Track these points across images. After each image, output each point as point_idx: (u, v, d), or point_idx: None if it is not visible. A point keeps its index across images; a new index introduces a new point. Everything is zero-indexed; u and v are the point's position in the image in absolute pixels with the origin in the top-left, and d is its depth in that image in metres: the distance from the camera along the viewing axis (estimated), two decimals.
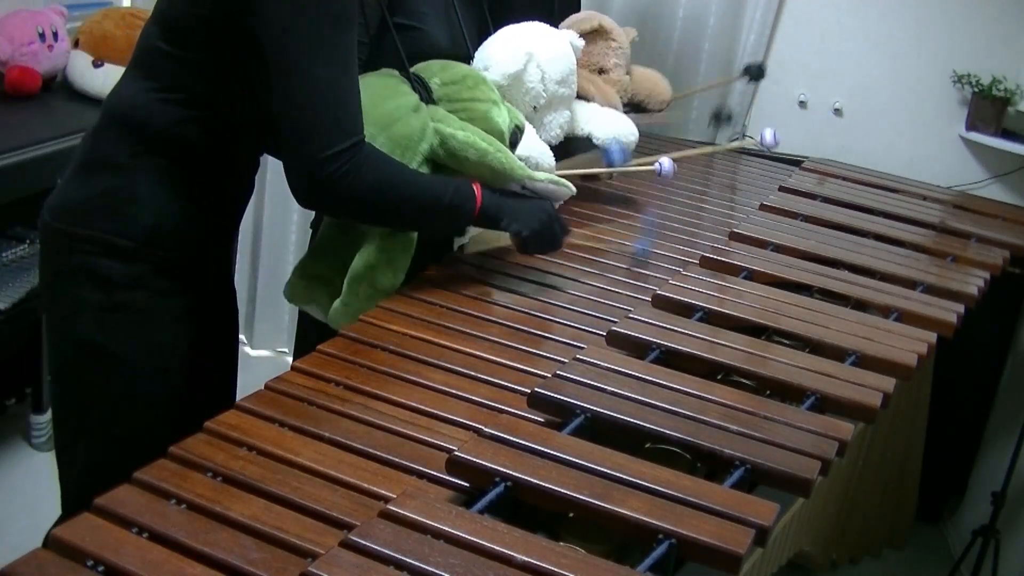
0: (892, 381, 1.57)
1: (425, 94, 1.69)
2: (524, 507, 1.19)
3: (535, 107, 2.02)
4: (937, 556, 2.93)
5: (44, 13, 2.75)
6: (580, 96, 2.40)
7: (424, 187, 1.56)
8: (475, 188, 1.61)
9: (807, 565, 2.47)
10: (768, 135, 2.48)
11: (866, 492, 2.43)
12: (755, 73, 2.91)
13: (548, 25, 2.07)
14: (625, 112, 2.60)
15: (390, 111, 1.59)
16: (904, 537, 2.86)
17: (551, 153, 2.00)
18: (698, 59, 3.13)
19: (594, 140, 2.20)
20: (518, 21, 2.05)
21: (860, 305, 1.91)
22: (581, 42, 2.11)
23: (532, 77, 1.98)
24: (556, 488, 1.17)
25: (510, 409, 1.40)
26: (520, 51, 1.95)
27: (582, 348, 1.57)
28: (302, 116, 1.37)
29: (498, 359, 1.55)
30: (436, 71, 1.74)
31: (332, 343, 1.55)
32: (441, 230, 1.76)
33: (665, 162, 2.16)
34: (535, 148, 1.96)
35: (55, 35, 2.72)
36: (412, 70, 1.73)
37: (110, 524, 1.08)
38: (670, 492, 1.18)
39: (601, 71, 2.50)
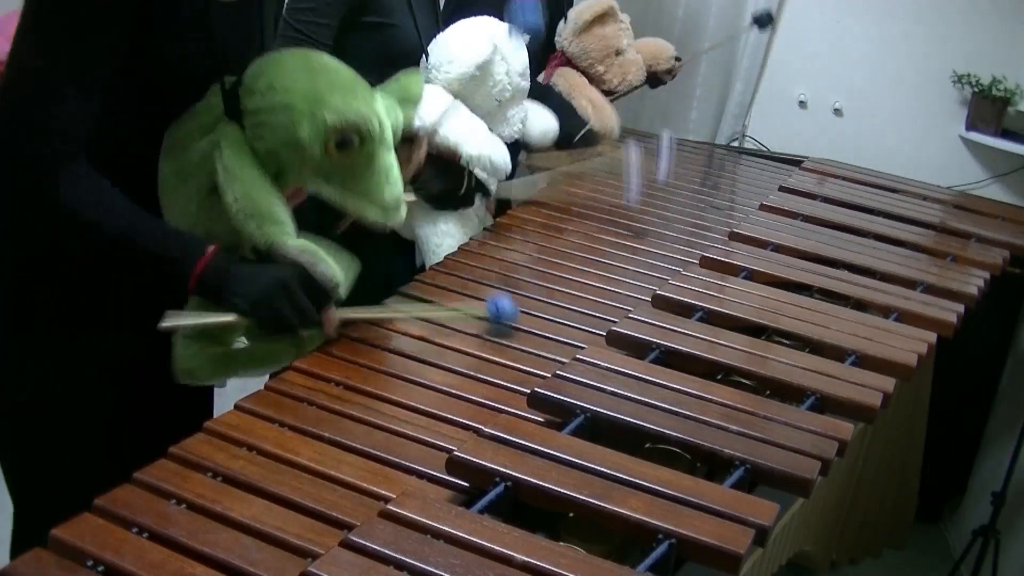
0: (892, 381, 1.57)
1: (233, 107, 1.37)
2: (524, 507, 1.19)
3: (499, 101, 1.98)
4: (937, 556, 2.93)
5: None
6: (579, 109, 2.42)
7: (131, 231, 1.29)
8: (207, 250, 1.31)
9: (807, 565, 2.47)
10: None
11: (866, 492, 2.43)
12: (763, 21, 2.87)
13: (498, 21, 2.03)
14: (641, 84, 2.60)
15: (180, 137, 1.37)
16: (904, 537, 2.85)
17: (506, 152, 1.97)
18: (698, 60, 3.12)
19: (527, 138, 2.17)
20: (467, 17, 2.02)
21: (860, 305, 1.91)
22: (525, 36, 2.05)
23: (498, 69, 1.94)
24: (556, 488, 1.17)
25: (510, 409, 1.40)
26: (486, 41, 1.92)
27: (582, 348, 1.57)
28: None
29: (498, 359, 1.55)
30: (255, 74, 1.39)
31: (332, 343, 1.55)
32: (162, 286, 1.35)
33: (632, 145, 2.19)
34: (490, 146, 1.92)
35: None
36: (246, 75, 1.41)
37: (110, 524, 1.08)
38: (670, 492, 1.18)
39: (618, 52, 2.51)
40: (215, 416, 1.33)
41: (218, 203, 1.36)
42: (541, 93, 2.40)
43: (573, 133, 2.38)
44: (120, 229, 1.28)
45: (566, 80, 2.48)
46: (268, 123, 1.35)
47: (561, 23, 2.55)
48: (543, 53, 2.54)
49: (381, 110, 1.44)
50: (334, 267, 1.39)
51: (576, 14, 2.51)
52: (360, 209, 1.44)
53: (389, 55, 1.92)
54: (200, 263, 1.30)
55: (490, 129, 1.99)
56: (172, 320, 1.33)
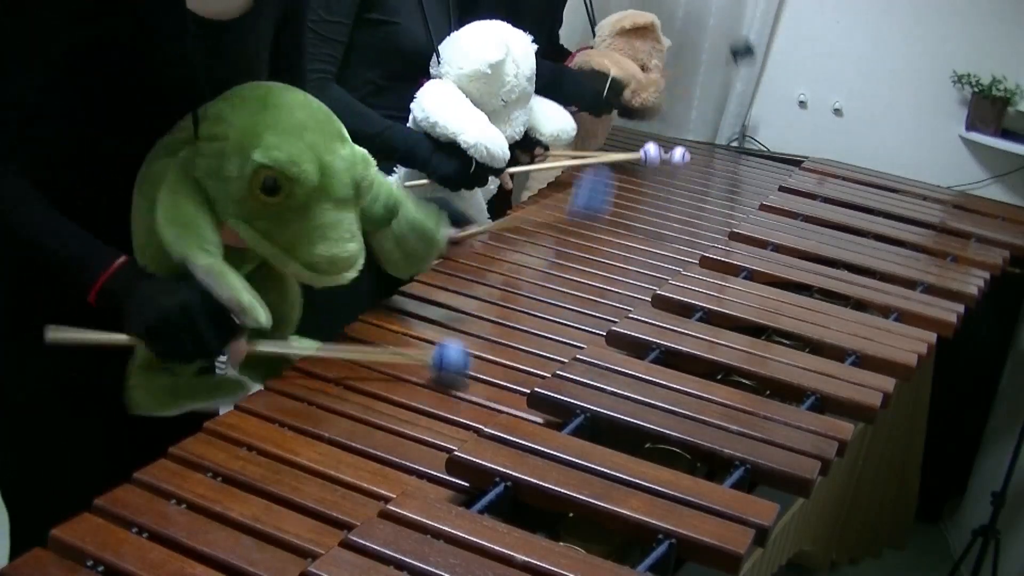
0: (892, 381, 1.57)
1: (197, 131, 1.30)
2: (524, 507, 1.19)
3: (505, 102, 2.01)
4: (937, 556, 2.93)
5: None
6: (598, 68, 2.43)
7: (40, 236, 1.22)
8: (114, 263, 1.23)
9: (807, 565, 2.47)
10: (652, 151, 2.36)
11: (866, 492, 2.43)
12: (741, 52, 2.84)
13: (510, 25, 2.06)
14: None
15: (154, 151, 1.31)
16: (904, 537, 2.85)
17: (504, 141, 1.97)
18: (698, 60, 3.13)
19: (539, 136, 2.20)
20: (480, 19, 2.04)
21: (860, 305, 1.91)
22: (534, 46, 2.06)
23: (509, 71, 1.98)
24: (556, 488, 1.17)
25: (510, 409, 1.40)
26: (500, 42, 1.96)
27: (582, 348, 1.57)
28: None
29: (498, 359, 1.55)
30: (215, 101, 1.31)
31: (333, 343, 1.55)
32: (68, 293, 1.26)
33: (651, 148, 2.20)
34: (487, 135, 1.92)
35: None
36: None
37: (110, 524, 1.08)
38: (670, 492, 1.18)
39: (643, 68, 2.52)
40: (216, 416, 1.33)
41: None
42: (558, 71, 2.42)
43: (600, 88, 2.41)
44: (29, 232, 1.22)
45: (584, 56, 2.51)
46: (203, 151, 1.27)
47: (601, 22, 2.58)
48: (549, 52, 2.56)
49: (340, 162, 1.32)
50: (240, 291, 1.25)
51: (619, 18, 2.54)
52: (279, 262, 1.32)
53: (391, 53, 1.95)
54: (103, 275, 1.21)
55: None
56: (56, 334, 1.22)
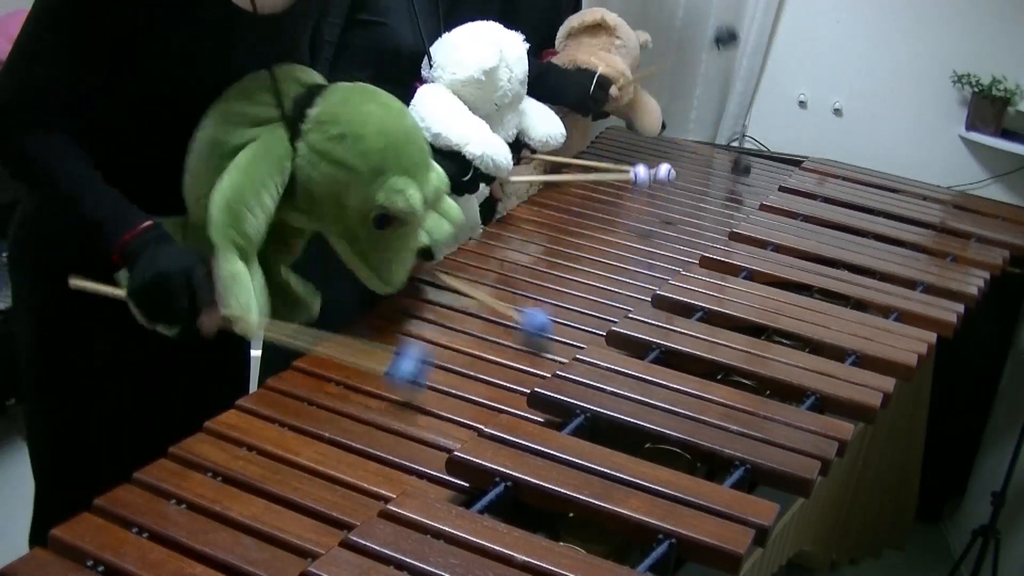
0: (892, 381, 1.57)
1: (288, 114, 1.36)
2: (524, 507, 1.19)
3: (498, 106, 2.00)
4: (937, 556, 2.93)
5: None
6: (584, 66, 2.42)
7: (78, 192, 1.31)
8: (140, 225, 1.30)
9: (807, 565, 2.47)
10: (642, 172, 2.23)
11: (866, 492, 2.43)
12: (724, 39, 2.72)
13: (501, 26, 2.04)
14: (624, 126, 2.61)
15: (230, 110, 1.38)
16: (904, 537, 2.85)
17: (507, 150, 1.96)
18: (698, 60, 3.13)
19: (528, 140, 2.16)
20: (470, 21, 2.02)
21: (860, 305, 1.91)
22: (525, 44, 2.03)
23: (503, 75, 1.96)
24: (556, 488, 1.17)
25: (510, 409, 1.40)
26: (493, 47, 1.94)
27: (582, 348, 1.57)
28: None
29: (498, 359, 1.55)
30: (329, 109, 1.37)
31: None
32: (99, 249, 1.33)
33: (641, 170, 2.18)
34: (492, 146, 1.92)
35: None
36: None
37: (110, 524, 1.08)
38: (670, 492, 1.18)
39: None
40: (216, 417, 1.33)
41: None
42: (543, 71, 2.40)
43: (587, 85, 2.38)
44: (69, 187, 1.31)
45: (564, 56, 2.49)
46: (325, 171, 1.35)
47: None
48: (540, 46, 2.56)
49: (430, 192, 1.43)
50: (246, 309, 1.31)
51: (571, 18, 2.51)
52: (365, 277, 1.44)
53: (381, 53, 1.94)
54: (127, 236, 1.29)
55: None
56: (77, 281, 1.32)
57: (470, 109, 1.96)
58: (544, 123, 2.17)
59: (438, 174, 1.48)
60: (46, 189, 1.34)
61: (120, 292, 1.31)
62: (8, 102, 1.30)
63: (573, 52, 2.48)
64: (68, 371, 1.49)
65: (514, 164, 2.20)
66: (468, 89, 1.93)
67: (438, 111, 1.90)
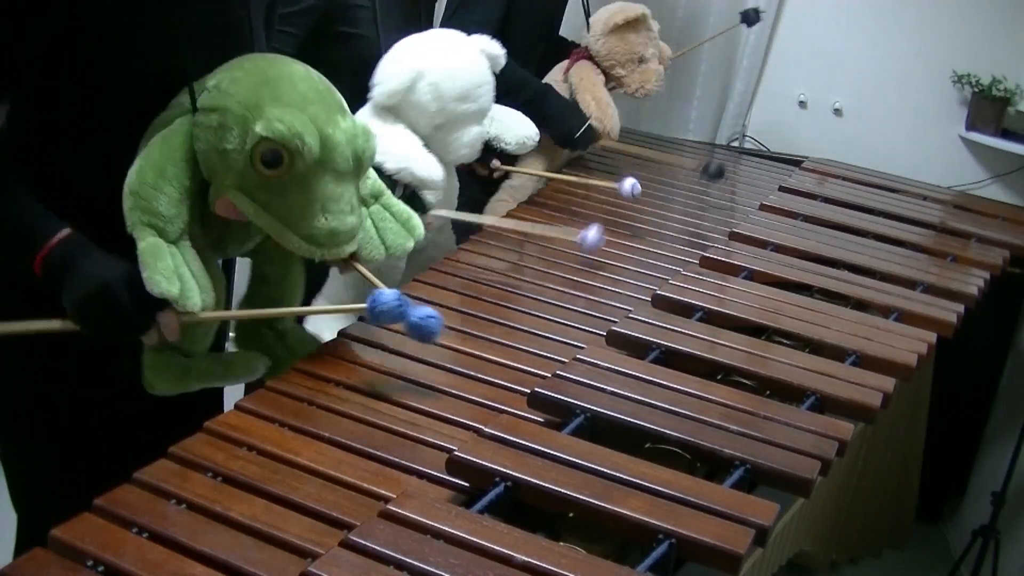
0: (892, 381, 1.57)
1: (194, 104, 1.30)
2: (524, 507, 1.19)
3: (435, 126, 1.86)
4: (937, 556, 2.93)
5: None
6: (580, 104, 2.41)
7: None
8: (57, 235, 1.21)
9: (807, 565, 2.47)
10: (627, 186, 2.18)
11: (866, 492, 2.43)
12: (752, 18, 2.85)
13: (461, 33, 1.92)
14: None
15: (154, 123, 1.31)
16: (904, 537, 2.85)
17: (435, 163, 1.86)
18: (698, 60, 3.12)
19: (503, 145, 2.06)
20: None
21: (860, 305, 1.91)
22: (500, 50, 1.93)
23: (423, 95, 1.82)
24: (556, 488, 1.17)
25: (510, 409, 1.40)
26: (407, 67, 1.81)
27: (582, 348, 1.57)
28: None
29: (498, 359, 1.55)
30: (217, 72, 1.31)
31: (333, 343, 1.55)
32: (15, 266, 1.25)
33: (627, 184, 2.13)
34: (414, 159, 1.82)
35: None
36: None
37: (110, 524, 1.08)
38: (670, 492, 1.18)
39: (641, 60, 2.52)
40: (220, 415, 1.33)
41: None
42: (542, 92, 2.41)
43: (574, 129, 2.39)
44: None
45: (580, 74, 2.49)
46: (204, 123, 1.27)
47: (592, 17, 2.55)
48: (549, 48, 2.55)
49: (341, 135, 1.31)
50: (165, 280, 1.22)
51: (609, 15, 2.51)
52: (278, 235, 1.31)
53: (356, 65, 1.90)
54: (45, 247, 1.19)
55: (429, 152, 1.89)
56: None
57: (409, 126, 1.87)
58: (517, 126, 2.09)
59: (362, 127, 1.37)
60: None
61: (51, 324, 1.22)
62: None
63: (580, 76, 2.48)
64: (27, 399, 1.42)
65: (488, 176, 2.16)
66: (391, 110, 1.85)
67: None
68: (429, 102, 1.82)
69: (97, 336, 1.22)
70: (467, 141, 1.91)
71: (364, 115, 1.85)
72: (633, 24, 2.50)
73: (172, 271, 1.23)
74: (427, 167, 1.83)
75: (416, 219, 1.55)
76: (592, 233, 1.89)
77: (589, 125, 2.40)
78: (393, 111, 1.86)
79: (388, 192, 1.53)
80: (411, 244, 1.53)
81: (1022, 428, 2.51)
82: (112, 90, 1.28)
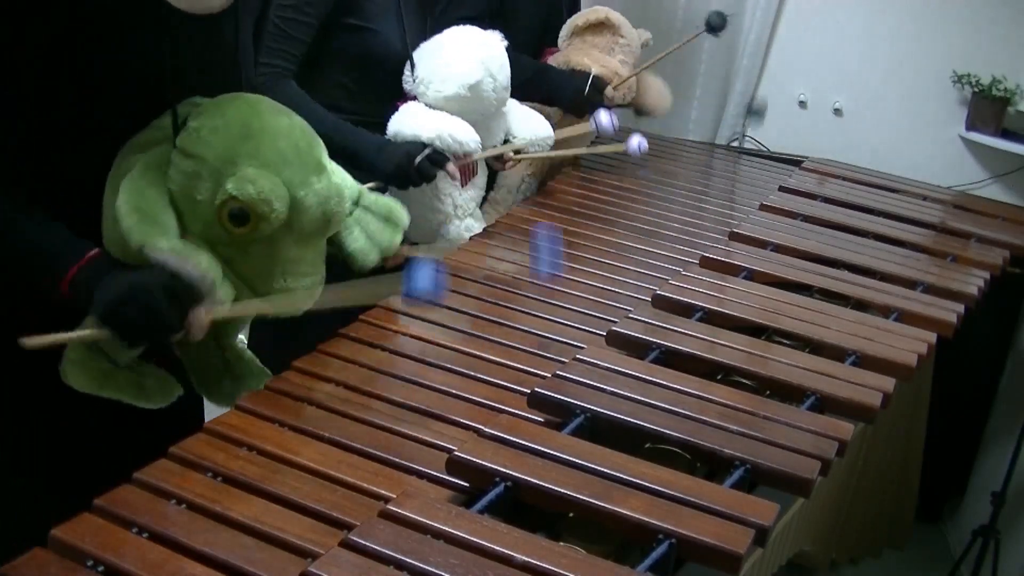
0: (892, 381, 1.57)
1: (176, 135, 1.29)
2: (524, 507, 1.19)
3: (483, 115, 1.99)
4: (937, 556, 2.93)
5: None
6: (578, 67, 2.42)
7: (13, 232, 1.23)
8: (85, 255, 1.23)
9: (807, 565, 2.47)
10: (603, 118, 2.27)
11: (866, 492, 2.43)
12: (716, 24, 2.63)
13: (479, 29, 2.02)
14: (628, 111, 2.61)
15: (129, 144, 1.31)
16: (904, 537, 2.85)
17: (468, 127, 1.95)
18: (698, 60, 3.13)
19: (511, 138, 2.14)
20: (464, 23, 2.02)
21: (860, 305, 1.91)
22: (504, 41, 2.03)
23: (487, 86, 1.95)
24: (556, 488, 1.17)
25: (510, 409, 1.40)
26: (476, 61, 1.93)
27: (582, 348, 1.57)
28: None
29: (498, 359, 1.55)
30: (198, 110, 1.31)
31: (332, 343, 1.55)
32: (39, 289, 1.26)
33: (633, 141, 2.21)
34: (447, 124, 1.91)
35: None
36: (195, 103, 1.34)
37: (110, 524, 1.08)
38: (670, 492, 1.18)
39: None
40: (215, 416, 1.33)
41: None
42: (541, 68, 2.41)
43: (581, 87, 2.39)
44: (2, 228, 1.22)
45: (560, 57, 2.50)
46: (180, 166, 1.26)
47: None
48: (536, 45, 2.56)
49: (313, 198, 1.30)
50: (207, 263, 1.25)
51: (574, 17, 2.52)
52: (236, 289, 1.31)
53: (367, 59, 1.94)
54: (74, 267, 1.21)
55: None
56: (32, 341, 1.20)
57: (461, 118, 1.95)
58: (530, 124, 2.16)
59: (336, 188, 1.36)
60: None
61: (84, 332, 1.22)
62: None
63: (568, 53, 2.49)
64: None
65: (501, 169, 2.20)
66: (453, 104, 1.93)
67: (407, 119, 1.90)
68: (490, 93, 1.96)
69: (132, 339, 1.23)
70: (503, 127, 2.08)
71: (404, 114, 1.91)
72: (596, 27, 2.49)
73: (210, 260, 1.25)
74: (464, 130, 1.93)
75: (397, 210, 1.54)
76: (635, 140, 2.18)
77: (593, 76, 2.39)
78: (445, 108, 1.93)
79: (364, 191, 1.53)
80: (399, 237, 1.53)
81: (1022, 428, 2.51)
82: (112, 90, 1.28)
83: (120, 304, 1.19)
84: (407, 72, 1.95)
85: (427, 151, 1.87)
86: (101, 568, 1.02)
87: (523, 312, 1.73)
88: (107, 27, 1.24)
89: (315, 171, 1.32)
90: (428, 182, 1.93)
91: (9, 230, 1.22)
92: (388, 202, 1.55)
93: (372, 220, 1.50)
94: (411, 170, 1.87)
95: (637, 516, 1.13)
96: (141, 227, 1.23)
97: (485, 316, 1.69)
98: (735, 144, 3.17)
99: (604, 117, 2.23)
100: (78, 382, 1.30)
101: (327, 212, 1.33)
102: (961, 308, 1.94)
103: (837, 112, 3.09)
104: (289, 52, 1.87)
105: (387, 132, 1.93)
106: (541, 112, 2.27)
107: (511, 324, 1.67)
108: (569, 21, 2.54)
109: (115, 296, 1.19)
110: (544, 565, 1.04)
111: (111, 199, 1.28)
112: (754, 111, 2.97)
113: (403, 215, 1.55)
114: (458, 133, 1.91)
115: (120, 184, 1.26)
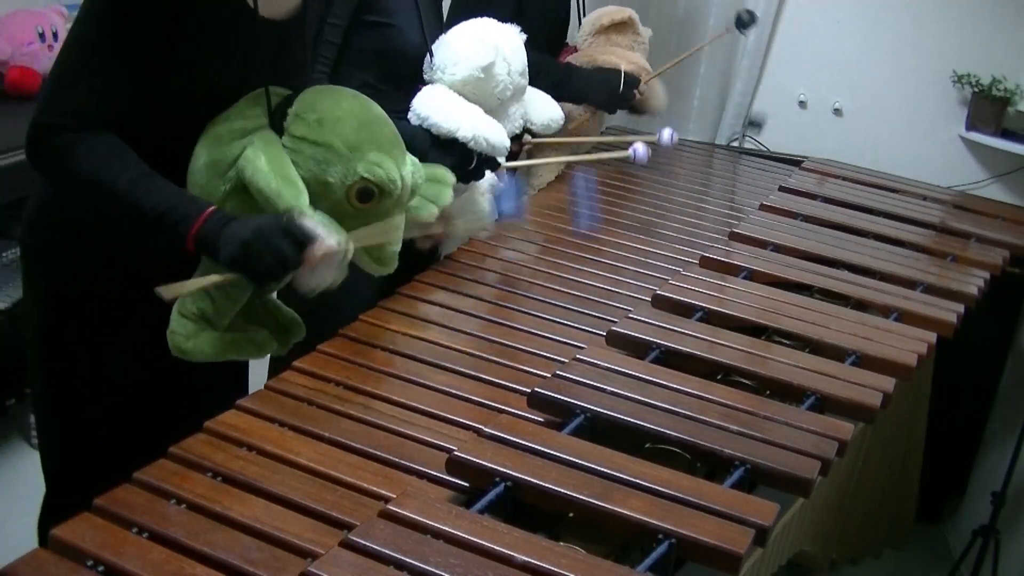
0: (892, 381, 1.57)
1: (277, 125, 1.46)
2: (524, 507, 1.19)
3: (501, 100, 2.02)
4: (937, 556, 2.93)
5: (44, 13, 2.75)
6: (606, 65, 2.45)
7: (129, 194, 1.36)
8: (204, 213, 1.37)
9: (807, 565, 2.47)
10: (666, 135, 2.40)
11: (866, 492, 2.43)
12: (746, 21, 2.76)
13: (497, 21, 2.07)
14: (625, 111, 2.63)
15: (220, 133, 1.46)
16: (904, 537, 2.85)
17: (503, 131, 1.98)
18: (698, 60, 3.13)
19: (531, 125, 2.21)
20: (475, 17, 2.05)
21: (860, 305, 1.91)
22: (523, 36, 2.08)
23: (501, 70, 1.98)
24: (556, 488, 1.17)
25: (510, 409, 1.40)
26: (489, 44, 1.96)
27: (582, 348, 1.57)
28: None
29: (498, 359, 1.55)
30: (305, 102, 1.48)
31: (332, 343, 1.55)
32: (162, 243, 1.39)
33: (665, 134, 2.26)
34: (484, 127, 1.94)
35: (55, 35, 2.72)
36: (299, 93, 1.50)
37: (110, 524, 1.08)
38: (670, 492, 1.18)
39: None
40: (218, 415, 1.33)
41: (239, 202, 1.42)
42: (566, 71, 2.42)
43: (615, 85, 2.42)
44: (126, 188, 1.35)
45: (582, 56, 2.52)
46: (307, 153, 1.43)
47: (583, 19, 2.58)
48: (555, 42, 2.56)
49: (407, 173, 1.51)
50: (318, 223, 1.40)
51: (597, 16, 2.54)
52: (358, 256, 1.48)
53: (387, 54, 1.95)
54: (197, 223, 1.35)
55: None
56: (169, 291, 1.35)
57: (476, 104, 1.97)
58: (544, 108, 2.21)
59: (414, 163, 1.56)
60: (101, 195, 1.37)
61: (213, 277, 1.37)
62: (54, 121, 1.36)
63: (591, 51, 2.51)
64: (76, 363, 1.51)
65: (518, 152, 2.23)
66: (469, 87, 1.95)
67: (432, 105, 1.91)
68: (504, 76, 1.99)
69: (258, 277, 1.36)
70: (521, 113, 2.12)
71: (425, 95, 1.94)
72: (619, 27, 2.51)
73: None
74: (499, 134, 1.96)
75: (441, 171, 1.75)
76: (667, 132, 2.29)
77: (624, 73, 2.42)
78: (463, 92, 1.95)
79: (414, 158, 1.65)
80: (449, 192, 1.72)
81: (1022, 428, 2.51)
82: (202, 77, 1.42)
83: (246, 245, 1.33)
84: (427, 63, 1.97)
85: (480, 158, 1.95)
86: (101, 568, 1.02)
87: (523, 312, 1.73)
88: (202, 32, 1.38)
89: (403, 151, 1.53)
90: (478, 180, 1.98)
91: (148, 190, 1.36)
92: (432, 166, 1.74)
93: (426, 182, 1.67)
94: (466, 168, 1.92)
95: (637, 516, 1.13)
96: (289, 190, 1.39)
97: (485, 316, 1.69)
98: (735, 144, 3.17)
99: (667, 135, 2.28)
100: (206, 353, 1.45)
101: (415, 184, 1.57)
102: (961, 308, 1.94)
103: (837, 112, 3.09)
104: (324, 56, 1.89)
105: (411, 115, 1.94)
106: (565, 111, 2.30)
107: (511, 324, 1.67)
108: (590, 19, 2.55)
109: (241, 239, 1.33)
110: (544, 565, 1.04)
111: (204, 175, 1.44)
112: (753, 123, 2.98)
113: (448, 174, 1.74)
114: (492, 137, 1.93)
115: (248, 155, 1.41)
